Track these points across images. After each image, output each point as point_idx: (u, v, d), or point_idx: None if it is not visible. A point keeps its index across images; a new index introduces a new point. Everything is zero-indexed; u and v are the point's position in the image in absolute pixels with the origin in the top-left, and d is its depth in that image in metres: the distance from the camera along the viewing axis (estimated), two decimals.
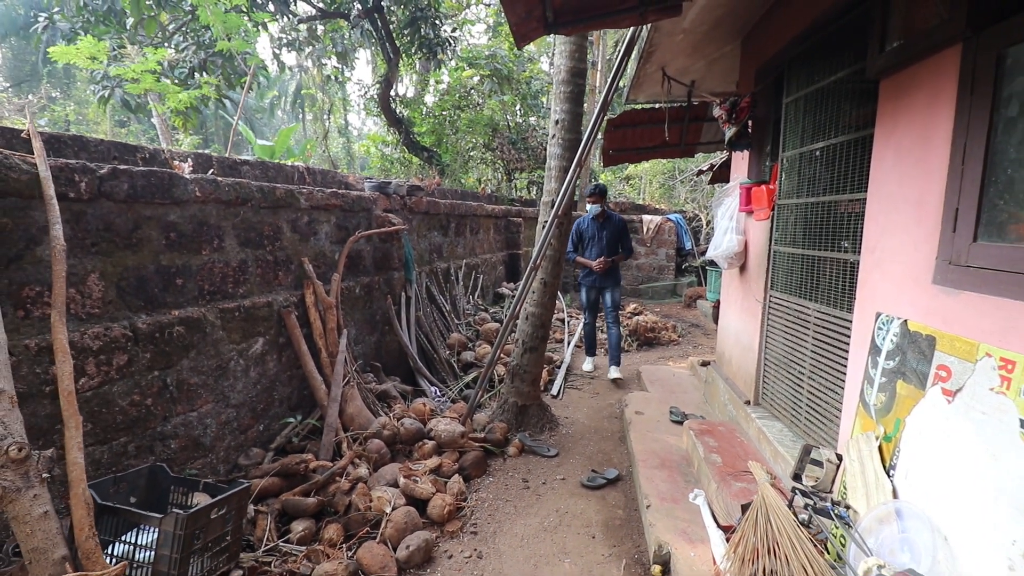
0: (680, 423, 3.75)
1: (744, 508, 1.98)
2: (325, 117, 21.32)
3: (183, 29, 8.16)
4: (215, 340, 2.77)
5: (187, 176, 2.62)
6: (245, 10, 6.72)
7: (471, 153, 12.46)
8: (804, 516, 1.95)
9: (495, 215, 7.76)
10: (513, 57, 11.72)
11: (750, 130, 3.49)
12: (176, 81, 7.33)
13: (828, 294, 2.51)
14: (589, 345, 5.32)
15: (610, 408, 4.37)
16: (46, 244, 2.05)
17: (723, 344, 4.10)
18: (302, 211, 3.46)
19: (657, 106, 4.77)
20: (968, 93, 1.60)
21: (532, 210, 9.30)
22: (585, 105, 9.80)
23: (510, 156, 11.92)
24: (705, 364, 4.72)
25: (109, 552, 1.79)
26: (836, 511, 1.85)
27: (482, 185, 12.07)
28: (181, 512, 1.73)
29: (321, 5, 8.45)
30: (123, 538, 1.85)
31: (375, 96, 11.60)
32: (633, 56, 3.79)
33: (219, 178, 2.82)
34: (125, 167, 2.32)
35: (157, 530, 1.77)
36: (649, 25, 3.21)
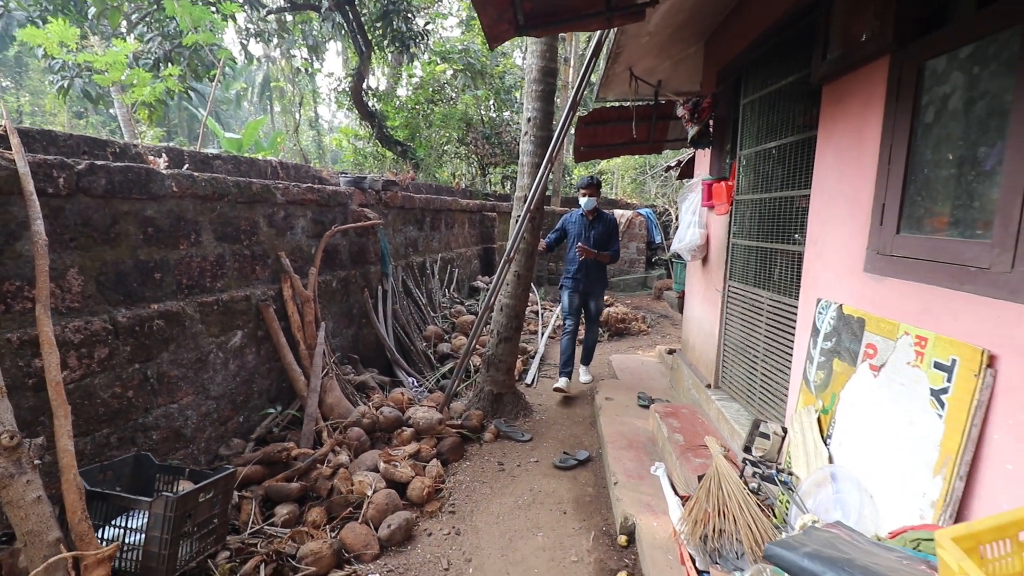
0: (647, 407, 3.95)
1: (700, 479, 2.17)
2: (295, 110, 20.93)
3: (147, 19, 7.95)
4: (194, 333, 2.81)
5: (164, 171, 2.65)
6: (212, 1, 6.61)
7: (445, 147, 12.48)
8: (754, 484, 2.14)
9: (470, 210, 7.85)
10: (486, 52, 11.76)
11: (711, 129, 3.68)
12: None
13: (779, 283, 2.72)
14: (566, 359, 4.43)
15: (582, 395, 4.55)
16: (25, 239, 2.08)
17: (687, 332, 4.31)
18: (278, 206, 3.50)
19: (626, 104, 4.94)
20: (894, 100, 1.79)
21: (506, 205, 9.42)
22: (558, 100, 9.93)
23: (484, 151, 12.00)
24: (672, 352, 4.95)
25: (100, 536, 1.85)
26: (780, 477, 2.05)
27: (456, 180, 12.11)
28: (171, 495, 1.80)
29: None
30: (113, 523, 1.92)
31: (347, 89, 11.50)
32: (602, 56, 3.94)
33: (195, 173, 2.85)
34: (103, 163, 2.34)
35: (147, 514, 1.84)
36: (616, 28, 3.36)
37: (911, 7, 1.72)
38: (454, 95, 12.22)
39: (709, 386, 3.56)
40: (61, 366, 2.16)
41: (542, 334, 6.15)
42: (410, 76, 12.25)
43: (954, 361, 1.42)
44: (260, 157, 5.63)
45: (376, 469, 2.84)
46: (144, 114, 7.97)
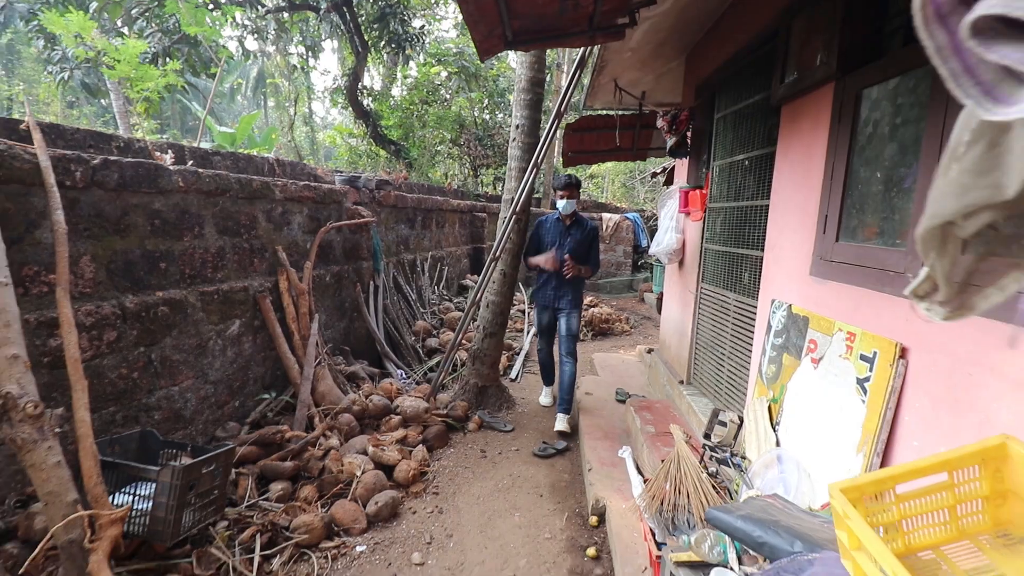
0: (624, 402, 4.16)
1: (664, 463, 2.37)
2: (290, 106, 20.97)
3: (146, 14, 8.05)
4: (195, 321, 2.97)
5: (171, 167, 2.82)
6: (217, 2, 6.76)
7: (438, 148, 12.66)
8: (713, 468, 2.36)
9: (461, 210, 8.04)
10: None
11: (689, 140, 3.90)
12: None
13: (744, 285, 2.94)
14: (546, 373, 4.32)
15: None
16: (44, 228, 2.23)
17: (664, 332, 4.53)
18: (277, 202, 3.67)
19: (611, 113, 5.16)
20: (837, 122, 2.01)
21: (497, 206, 9.61)
22: (548, 103, 10.14)
23: (476, 152, 12.19)
24: (650, 351, 5.17)
25: (111, 501, 2.01)
26: (734, 461, 2.26)
27: (449, 180, 12.28)
28: (177, 465, 1.97)
29: None
30: (122, 491, 2.08)
31: (343, 88, 11.64)
32: (588, 69, 4.15)
33: (200, 170, 3.01)
34: (116, 158, 2.51)
35: (155, 482, 2.01)
36: (599, 44, 3.57)
37: (854, 39, 1.95)
38: (448, 96, 12.41)
39: (682, 382, 3.77)
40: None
41: (527, 331, 6.35)
42: (405, 76, 12.40)
43: (875, 353, 1.64)
44: (257, 154, 5.78)
45: (365, 452, 3.02)
46: (142, 107, 8.08)
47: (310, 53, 10.05)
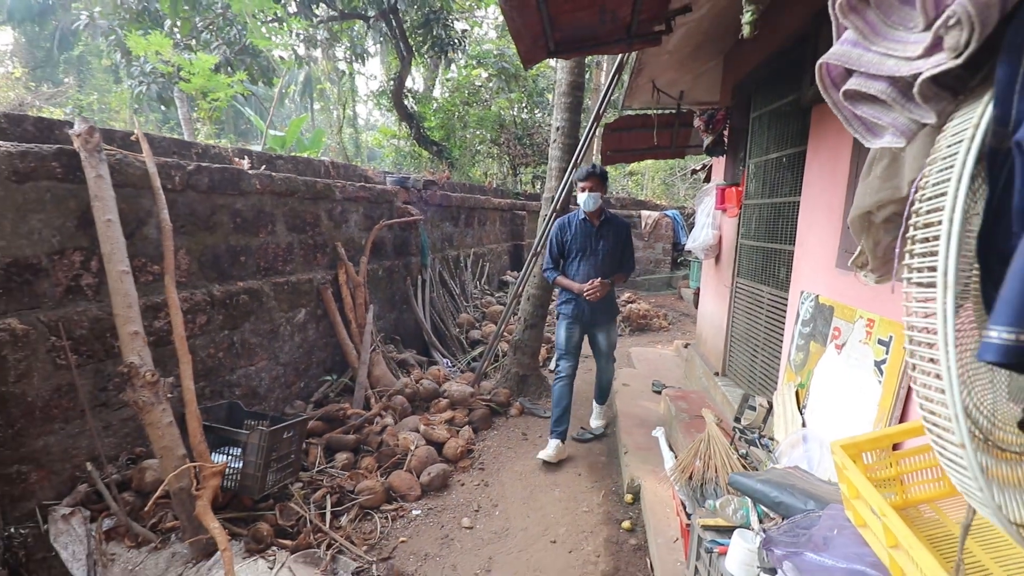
0: (659, 393, 4.30)
1: (695, 441, 2.54)
2: (339, 110, 21.79)
3: (210, 27, 8.68)
4: (269, 308, 3.33)
5: (249, 172, 3.17)
6: (279, 16, 7.25)
7: (478, 147, 12.98)
8: (743, 450, 2.51)
9: (501, 208, 8.29)
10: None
11: (726, 138, 4.00)
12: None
13: (776, 279, 3.05)
14: (558, 416, 3.34)
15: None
16: (150, 225, 2.61)
17: (700, 325, 4.64)
18: (337, 202, 4.01)
19: (649, 112, 5.28)
20: None
21: (536, 204, 9.81)
22: (588, 100, 10.25)
23: (516, 151, 12.43)
24: (687, 346, 5.27)
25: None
26: (763, 442, 2.41)
27: (489, 179, 12.56)
28: (264, 429, 2.29)
29: (340, 6, 8.94)
30: (215, 452, 2.42)
31: (388, 91, 12.11)
32: (626, 71, 4.30)
33: (273, 173, 3.37)
34: (206, 164, 2.87)
35: (243, 447, 2.34)
36: None
37: None
38: (488, 97, 12.70)
39: (717, 374, 3.89)
40: (171, 328, 2.70)
41: None
42: (447, 79, 12.76)
43: (891, 337, 1.77)
44: (313, 157, 6.20)
45: (417, 430, 3.30)
46: (205, 114, 8.74)
47: (358, 59, 10.51)
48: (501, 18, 16.35)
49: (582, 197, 3.24)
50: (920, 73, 0.58)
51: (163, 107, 7.66)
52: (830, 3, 0.74)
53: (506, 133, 12.36)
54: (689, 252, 10.90)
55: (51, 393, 2.21)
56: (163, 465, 2.12)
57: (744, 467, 2.28)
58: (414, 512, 2.68)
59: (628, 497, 2.89)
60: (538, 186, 13.58)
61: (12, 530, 2.09)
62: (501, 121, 12.36)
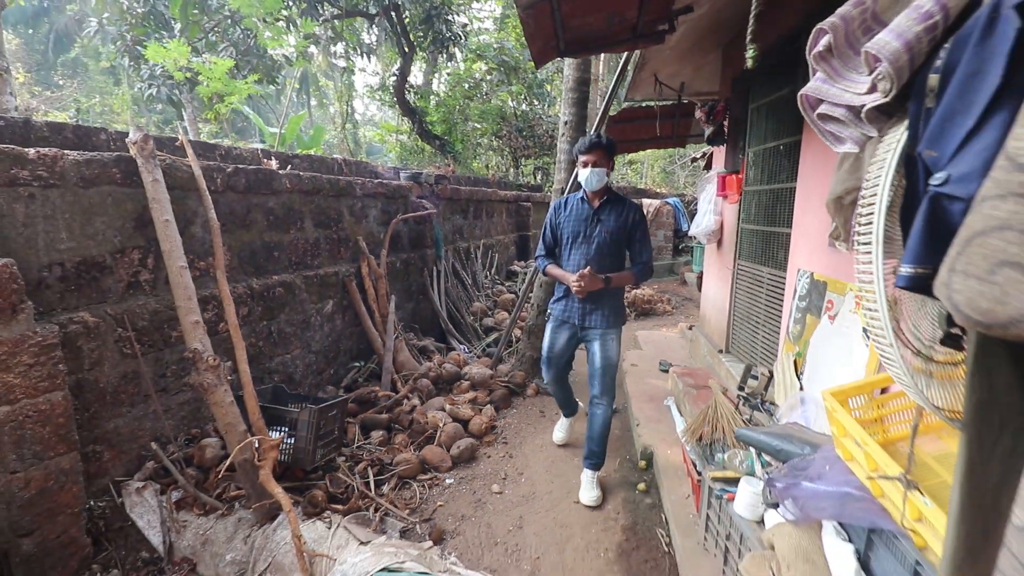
0: (666, 372, 4.53)
1: (704, 407, 2.77)
2: (337, 106, 21.88)
3: (216, 29, 8.83)
4: (301, 300, 3.56)
5: (280, 172, 3.38)
6: (288, 18, 7.43)
7: (480, 140, 13.14)
8: (747, 415, 2.74)
9: (507, 200, 8.49)
10: (520, 48, 12.30)
11: (726, 128, 4.20)
12: None
13: (775, 260, 3.27)
14: (562, 404, 3.30)
15: None
16: (196, 224, 2.83)
17: (704, 307, 4.87)
18: (357, 198, 4.22)
19: (651, 104, 5.48)
20: None
21: (539, 195, 10.01)
22: (595, 79, 10.38)
23: (517, 143, 12.59)
24: (691, 327, 5.50)
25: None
26: (765, 407, 2.64)
27: (492, 172, 12.73)
28: (314, 406, 2.53)
29: (343, 4, 9.09)
30: (269, 429, 2.65)
31: (390, 87, 12.26)
32: (630, 65, 4.49)
33: (301, 173, 3.58)
34: (243, 166, 3.08)
35: (290, 426, 2.58)
36: None
37: None
38: (488, 90, 12.84)
39: (721, 351, 4.12)
40: (218, 320, 2.93)
41: None
42: (449, 74, 12.89)
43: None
44: (327, 156, 6.39)
45: (443, 410, 3.54)
46: (212, 115, 8.92)
47: (365, 56, 10.65)
48: (500, 11, 16.45)
49: (584, 174, 2.64)
50: (865, 104, 0.83)
51: (176, 109, 7.81)
52: (807, 52, 0.97)
53: (507, 125, 12.51)
54: (692, 238, 11.12)
55: (119, 380, 2.44)
56: (228, 440, 2.36)
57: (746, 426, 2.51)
58: (447, 481, 2.92)
59: (642, 463, 3.14)
60: (539, 177, 13.75)
61: (92, 504, 2.34)
62: (502, 114, 12.51)
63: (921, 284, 0.66)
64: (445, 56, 10.99)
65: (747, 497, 1.91)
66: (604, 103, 3.90)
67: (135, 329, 2.48)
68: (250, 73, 7.27)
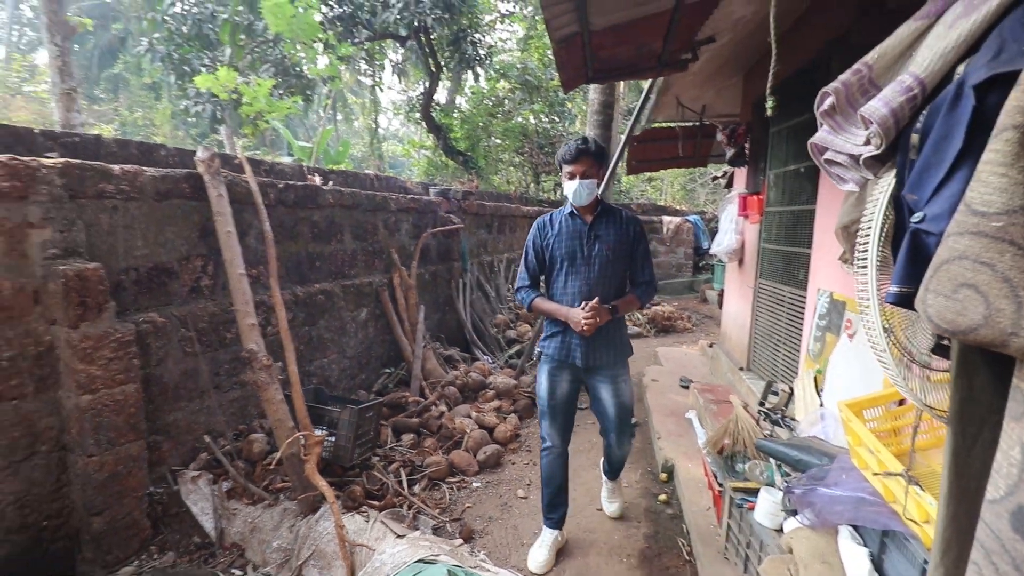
0: (687, 388, 4.62)
1: (725, 421, 2.87)
2: (363, 120, 22.53)
3: (255, 51, 9.30)
4: (338, 308, 3.76)
5: (323, 187, 3.62)
6: (325, 41, 7.83)
7: (502, 156, 13.44)
8: (768, 430, 2.83)
9: (529, 215, 8.68)
10: (542, 67, 12.62)
11: (747, 150, 4.33)
12: None
13: (796, 279, 3.37)
14: (549, 498, 2.50)
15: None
16: (250, 235, 3.05)
17: (725, 324, 4.95)
18: (391, 213, 4.44)
19: (673, 125, 5.63)
20: None
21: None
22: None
23: (538, 159, 12.85)
24: (712, 345, 5.57)
25: None
26: (785, 422, 2.73)
27: (515, 188, 12.98)
28: (354, 407, 2.70)
29: (376, 27, 9.49)
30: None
31: (417, 104, 12.67)
32: (653, 89, 4.67)
33: (342, 188, 3.81)
34: (292, 183, 3.32)
35: (336, 421, 2.75)
36: None
37: None
38: (511, 108, 13.17)
39: (742, 368, 4.20)
40: (265, 324, 3.13)
41: None
42: (474, 92, 13.25)
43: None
44: (359, 171, 6.67)
45: (469, 416, 3.69)
46: (251, 130, 9.36)
47: (396, 76, 11.07)
48: (522, 32, 16.90)
49: (570, 187, 2.22)
50: (863, 154, 0.99)
51: (219, 125, 8.25)
52: (816, 109, 1.14)
53: (529, 142, 12.79)
54: (712, 256, 11.16)
55: (180, 376, 2.65)
56: (277, 434, 2.54)
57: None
58: (474, 484, 3.06)
59: (663, 475, 3.23)
60: (558, 193, 13.97)
61: (152, 489, 2.53)
62: (524, 131, 12.81)
63: (906, 300, 0.82)
64: (471, 75, 11.34)
65: (767, 506, 2.01)
66: (628, 128, 4.08)
67: (195, 330, 2.69)
68: (287, 92, 7.64)
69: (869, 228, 1.05)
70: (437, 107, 12.77)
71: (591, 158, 2.21)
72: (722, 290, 5.49)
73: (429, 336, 4.76)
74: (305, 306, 3.42)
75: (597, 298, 2.16)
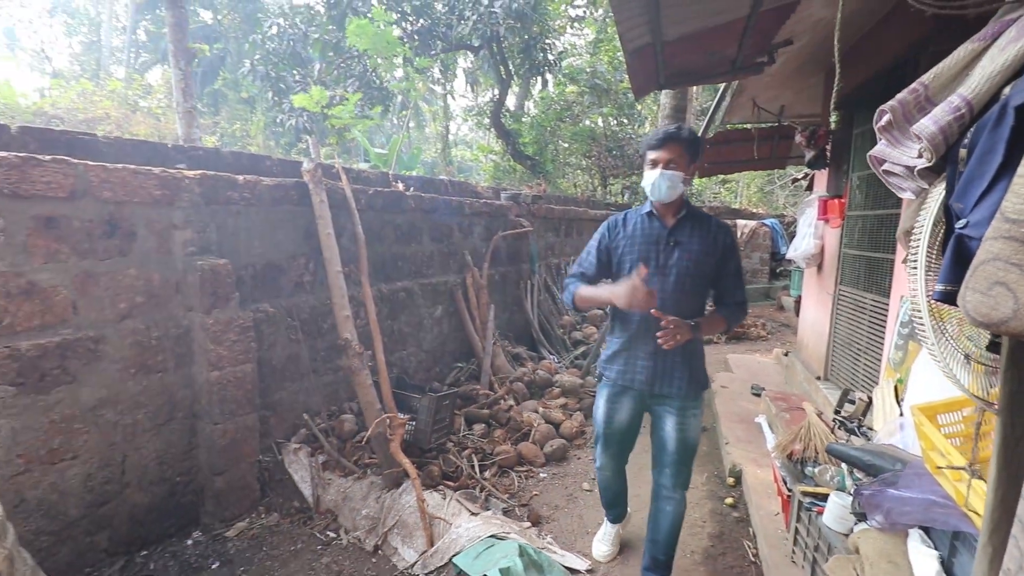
0: (758, 395, 4.52)
1: (796, 427, 2.84)
2: (433, 127, 23.42)
3: (340, 65, 10.02)
4: (417, 305, 4.05)
5: (406, 194, 3.92)
6: (407, 58, 8.36)
7: (569, 160, 13.54)
8: (843, 439, 2.77)
9: (596, 219, 8.73)
10: (611, 70, 12.59)
11: (827, 152, 4.19)
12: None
13: (878, 286, 3.24)
14: (607, 503, 2.49)
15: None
16: (344, 236, 3.38)
17: (802, 332, 4.79)
18: (465, 216, 4.71)
19: (748, 127, 5.51)
20: None
21: None
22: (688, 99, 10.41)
23: (606, 163, 12.83)
24: (787, 353, 5.39)
25: None
26: (861, 431, 2.67)
27: (582, 191, 13.03)
28: (433, 394, 2.94)
29: (451, 39, 9.93)
30: None
31: (487, 111, 13.07)
32: (727, 92, 4.62)
33: (422, 194, 4.11)
34: (380, 189, 3.64)
35: (416, 407, 3.00)
36: None
37: None
38: (579, 112, 13.24)
39: (819, 378, 4.06)
40: (354, 316, 3.45)
41: None
42: (542, 97, 13.45)
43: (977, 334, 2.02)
44: (433, 176, 7.05)
45: (536, 411, 3.85)
46: (335, 140, 10.12)
47: (469, 85, 11.51)
48: (592, 36, 16.93)
49: (650, 177, 1.90)
50: (916, 165, 1.06)
51: (308, 136, 9.01)
52: (874, 124, 1.22)
53: (597, 146, 12.80)
54: (790, 261, 10.64)
55: (285, 360, 3.01)
56: (366, 415, 2.83)
57: None
58: (541, 475, 3.21)
59: (730, 480, 3.22)
60: (626, 196, 13.85)
61: (260, 458, 2.89)
62: (592, 134, 12.83)
63: (950, 298, 0.88)
64: (541, 82, 11.54)
65: (836, 510, 2.01)
66: (701, 130, 4.07)
67: (299, 320, 3.05)
68: (368, 104, 8.20)
69: (919, 231, 1.11)
70: (507, 113, 13.09)
71: (680, 145, 1.87)
72: (799, 297, 5.30)
73: (498, 334, 4.97)
74: (388, 302, 3.73)
75: (674, 315, 1.80)
